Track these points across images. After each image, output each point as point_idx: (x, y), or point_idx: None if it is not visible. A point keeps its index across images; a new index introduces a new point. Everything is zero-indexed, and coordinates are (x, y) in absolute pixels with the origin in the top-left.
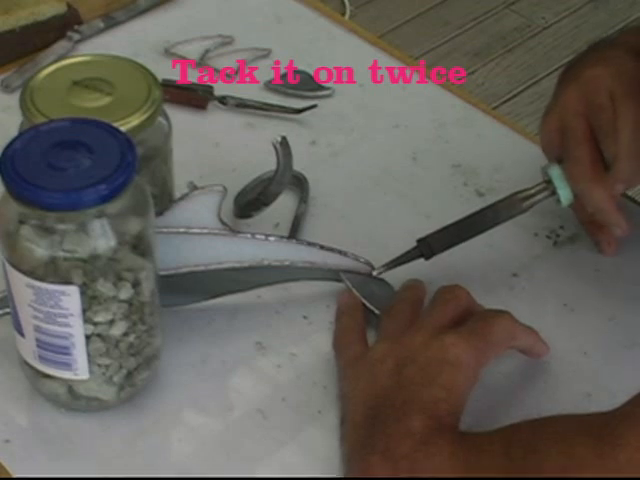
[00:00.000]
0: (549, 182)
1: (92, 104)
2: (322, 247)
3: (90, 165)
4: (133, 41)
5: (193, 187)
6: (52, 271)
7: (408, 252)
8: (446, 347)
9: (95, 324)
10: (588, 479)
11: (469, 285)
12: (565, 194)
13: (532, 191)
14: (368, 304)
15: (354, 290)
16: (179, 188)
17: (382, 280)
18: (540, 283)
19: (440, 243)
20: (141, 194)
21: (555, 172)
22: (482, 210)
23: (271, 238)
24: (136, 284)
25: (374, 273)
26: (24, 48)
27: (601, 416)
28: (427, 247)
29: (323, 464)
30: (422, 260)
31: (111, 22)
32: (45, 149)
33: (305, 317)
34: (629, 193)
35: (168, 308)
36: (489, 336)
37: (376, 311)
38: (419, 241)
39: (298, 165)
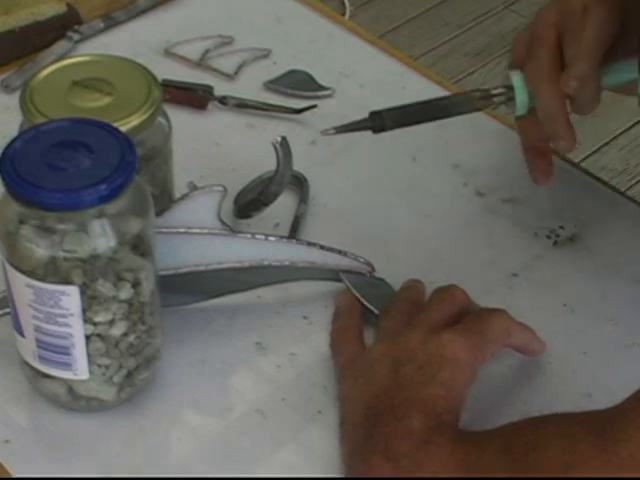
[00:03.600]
0: (510, 88)
1: (92, 104)
2: (322, 247)
3: (90, 165)
4: (133, 41)
5: (193, 187)
6: (52, 271)
7: (359, 121)
8: (443, 344)
9: (95, 324)
10: (590, 477)
11: (469, 285)
12: (521, 100)
13: (491, 92)
14: (367, 304)
15: (354, 290)
16: (179, 188)
17: (382, 280)
18: (540, 283)
19: (392, 120)
20: (141, 194)
21: (516, 77)
22: (439, 98)
23: (271, 238)
24: (136, 284)
25: (322, 134)
26: (24, 48)
27: (602, 413)
28: (379, 121)
29: (323, 464)
30: (422, 259)
31: (111, 22)
32: (45, 149)
33: (305, 317)
34: (629, 193)
35: (168, 308)
36: (486, 333)
37: (375, 311)
38: (372, 113)
39: (298, 165)
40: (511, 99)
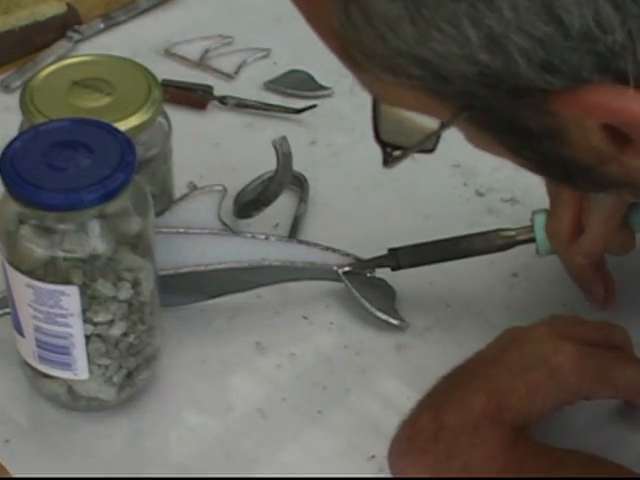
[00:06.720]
0: (532, 228)
1: (92, 104)
2: (322, 247)
3: (90, 165)
4: (133, 41)
5: (193, 187)
6: (52, 271)
7: (377, 258)
8: (557, 351)
9: (95, 324)
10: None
11: (469, 285)
12: (543, 246)
13: (513, 232)
14: (368, 304)
15: (354, 290)
16: (179, 188)
17: (382, 280)
18: (540, 283)
19: (408, 259)
20: (141, 194)
21: (539, 221)
22: (457, 238)
23: (271, 238)
24: (136, 284)
25: (340, 271)
26: (24, 48)
27: None
28: (395, 259)
29: (323, 464)
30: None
31: (111, 22)
32: (45, 149)
33: (305, 317)
34: None
35: (168, 308)
36: (614, 375)
37: (377, 313)
38: (390, 250)
39: (298, 165)
40: (534, 240)
